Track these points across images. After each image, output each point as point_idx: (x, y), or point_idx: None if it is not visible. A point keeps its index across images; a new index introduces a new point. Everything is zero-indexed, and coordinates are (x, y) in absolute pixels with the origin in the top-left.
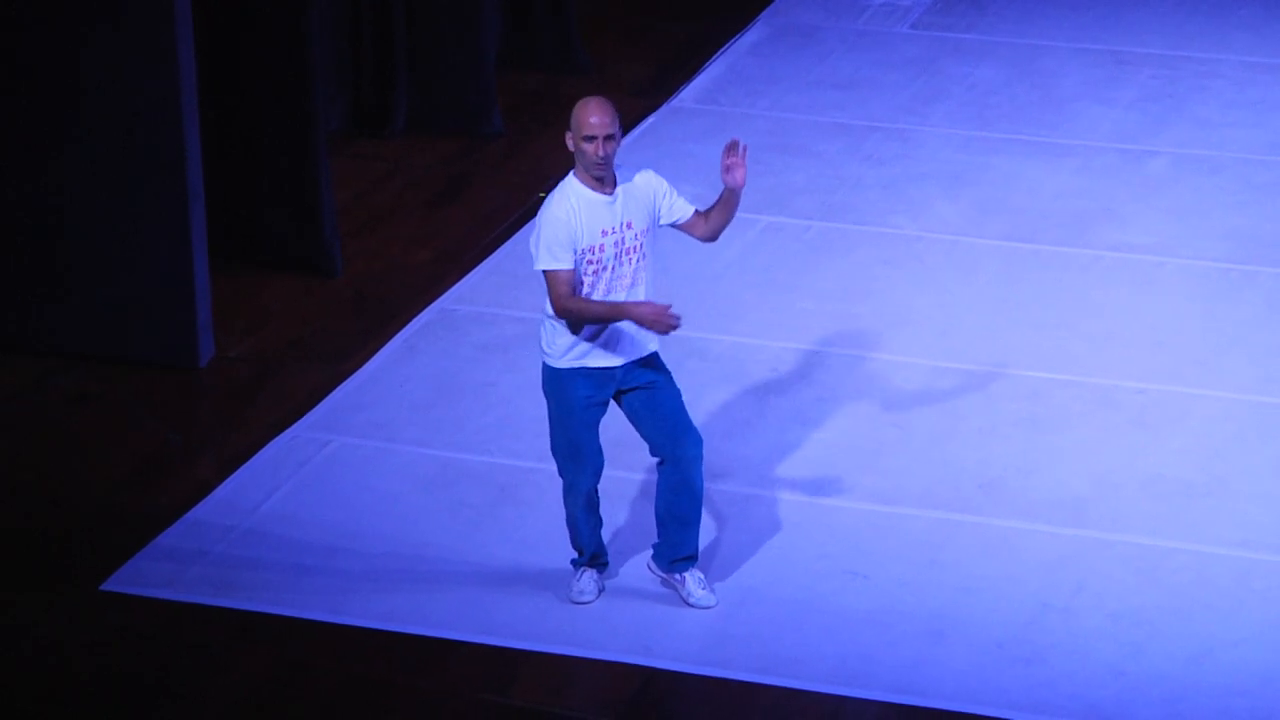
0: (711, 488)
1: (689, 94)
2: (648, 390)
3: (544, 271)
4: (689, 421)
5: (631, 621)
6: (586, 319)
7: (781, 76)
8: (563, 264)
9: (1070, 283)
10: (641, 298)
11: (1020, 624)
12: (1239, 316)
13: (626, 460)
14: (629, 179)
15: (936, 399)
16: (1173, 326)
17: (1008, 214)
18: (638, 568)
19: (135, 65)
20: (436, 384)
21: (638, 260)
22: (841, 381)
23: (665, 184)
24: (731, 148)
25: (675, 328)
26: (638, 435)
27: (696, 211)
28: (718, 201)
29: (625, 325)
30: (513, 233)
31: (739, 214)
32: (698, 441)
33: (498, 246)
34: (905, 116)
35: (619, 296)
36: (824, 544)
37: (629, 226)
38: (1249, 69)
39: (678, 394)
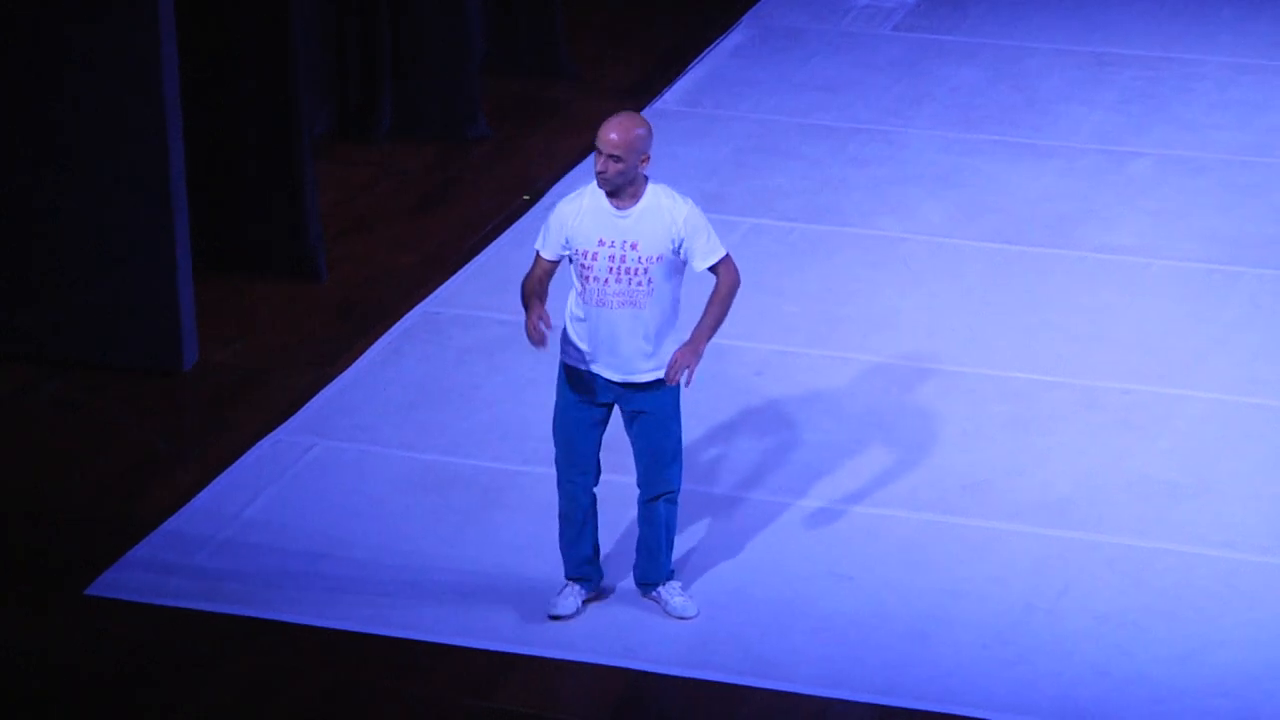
0: (697, 490)
1: (672, 96)
2: (635, 422)
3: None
4: (665, 466)
5: (617, 625)
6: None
7: (765, 79)
8: (545, 251)
9: (1055, 284)
10: (645, 324)
11: (1005, 625)
12: (1223, 318)
13: (611, 463)
14: (666, 204)
15: (921, 401)
16: (1157, 328)
17: (992, 215)
18: (623, 570)
19: (118, 70)
20: (422, 387)
21: (638, 284)
22: (826, 383)
23: (696, 225)
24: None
25: (535, 342)
26: (624, 438)
27: (711, 270)
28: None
29: (607, 337)
30: (498, 236)
31: (723, 215)
32: (667, 484)
33: (483, 249)
34: (889, 118)
35: (609, 311)
36: (809, 546)
37: (633, 247)
38: (1232, 70)
39: (664, 435)
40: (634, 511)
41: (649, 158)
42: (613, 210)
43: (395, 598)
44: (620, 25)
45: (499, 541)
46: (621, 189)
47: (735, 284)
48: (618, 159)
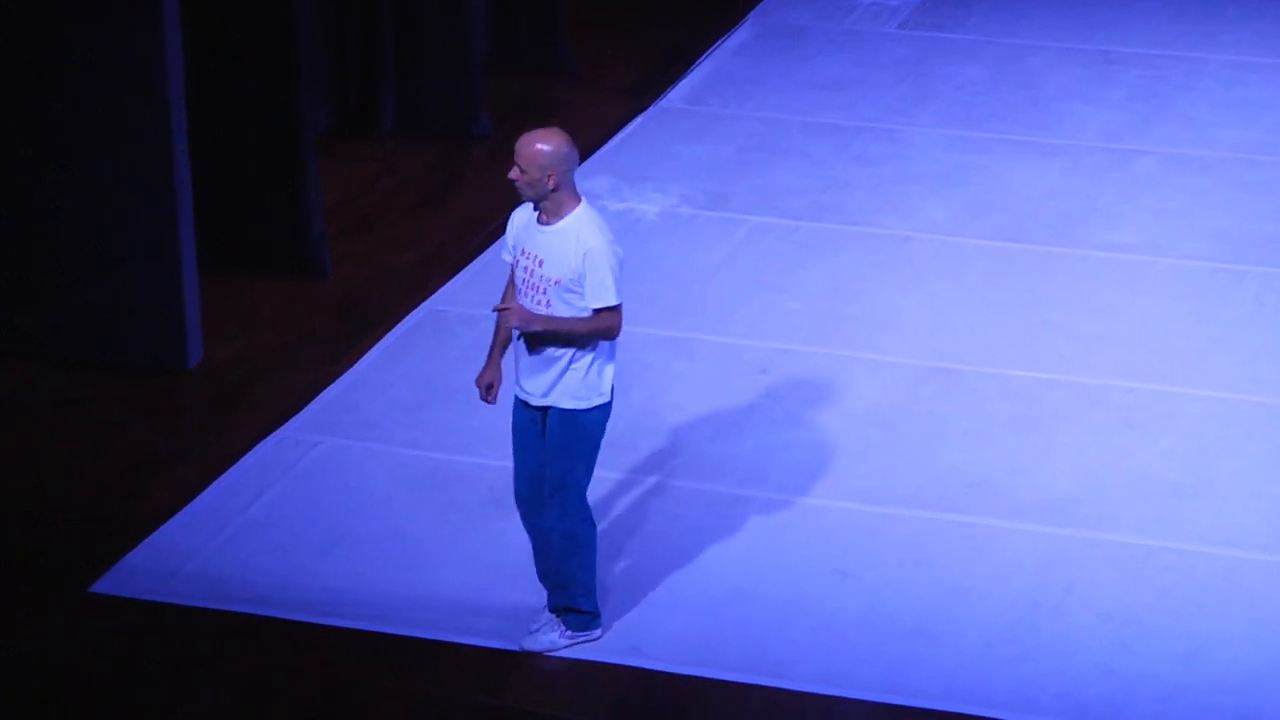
0: (699, 489)
1: (677, 94)
2: (546, 454)
3: None
4: (559, 496)
5: (621, 622)
6: None
7: (769, 77)
8: (505, 254)
9: (1058, 283)
10: (545, 346)
11: (1009, 624)
12: (1226, 316)
13: (615, 461)
14: (580, 233)
15: (924, 399)
16: (1161, 326)
17: (996, 214)
18: (627, 570)
19: (119, 70)
20: (425, 385)
21: (538, 302)
22: (829, 382)
23: (595, 263)
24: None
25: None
26: (627, 436)
27: (590, 312)
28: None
29: (526, 362)
30: (500, 234)
31: (727, 213)
32: (557, 521)
33: (485, 248)
34: (893, 117)
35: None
36: (812, 545)
37: (540, 263)
38: (1236, 68)
39: (559, 468)
40: (632, 508)
41: (557, 177)
42: (537, 223)
43: (398, 596)
44: (621, 24)
45: (502, 539)
46: (538, 202)
47: (607, 331)
48: (521, 170)
